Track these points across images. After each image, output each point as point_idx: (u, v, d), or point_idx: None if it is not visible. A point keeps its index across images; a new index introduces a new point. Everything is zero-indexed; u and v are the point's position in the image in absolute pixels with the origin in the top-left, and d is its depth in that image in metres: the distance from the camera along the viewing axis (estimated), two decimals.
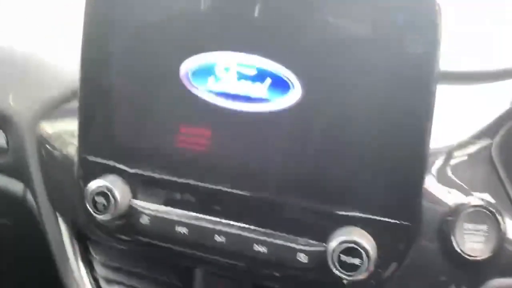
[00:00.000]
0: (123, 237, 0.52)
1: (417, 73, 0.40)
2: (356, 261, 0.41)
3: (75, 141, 0.53)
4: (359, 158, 0.42)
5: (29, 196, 0.65)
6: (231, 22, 0.44)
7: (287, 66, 0.42)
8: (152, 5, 0.46)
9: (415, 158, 0.41)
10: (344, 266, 0.41)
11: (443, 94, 0.42)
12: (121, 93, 0.48)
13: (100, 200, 0.48)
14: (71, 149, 0.55)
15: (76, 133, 0.54)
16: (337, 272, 0.42)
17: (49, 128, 0.58)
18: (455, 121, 0.48)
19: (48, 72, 0.61)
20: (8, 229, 0.82)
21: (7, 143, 0.63)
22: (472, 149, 0.47)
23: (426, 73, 0.40)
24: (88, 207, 0.48)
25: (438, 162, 0.46)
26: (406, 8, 0.39)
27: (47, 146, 0.57)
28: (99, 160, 0.50)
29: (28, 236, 0.86)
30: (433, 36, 0.39)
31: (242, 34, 0.44)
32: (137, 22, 0.47)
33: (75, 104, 0.57)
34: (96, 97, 0.49)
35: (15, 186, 0.67)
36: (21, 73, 0.62)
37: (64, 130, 0.57)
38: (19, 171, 0.63)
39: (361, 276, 0.41)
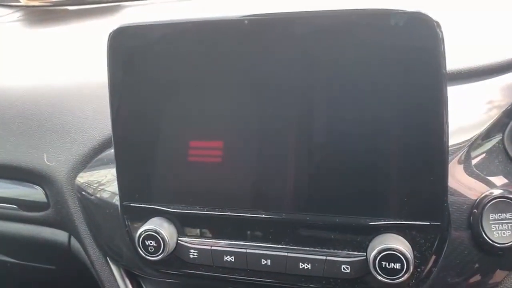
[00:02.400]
0: (174, 271, 0.56)
1: (429, 82, 0.43)
2: (397, 265, 0.44)
3: (113, 189, 0.57)
4: (385, 170, 0.46)
5: (75, 244, 0.68)
6: None
7: None
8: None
9: (437, 160, 0.44)
10: (387, 271, 0.45)
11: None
12: (153, 140, 0.52)
13: (150, 243, 0.51)
14: (111, 196, 0.58)
15: (113, 180, 0.58)
16: (380, 278, 0.45)
17: (86, 179, 0.62)
18: (464, 118, 0.51)
19: (73, 127, 0.64)
20: (53, 273, 0.86)
21: (47, 198, 0.67)
22: (486, 143, 0.50)
23: (437, 80, 0.43)
24: (140, 250, 0.52)
25: (458, 159, 0.49)
26: (408, 30, 0.42)
27: (88, 196, 0.61)
28: (141, 205, 0.53)
29: (72, 278, 0.90)
30: (437, 47, 0.42)
31: None
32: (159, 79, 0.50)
33: (105, 153, 0.62)
34: (129, 148, 0.53)
35: (60, 236, 0.70)
36: (50, 130, 0.65)
37: (101, 179, 0.61)
38: (62, 222, 0.67)
39: (403, 278, 0.45)
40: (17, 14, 1.11)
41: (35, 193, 0.67)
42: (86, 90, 0.67)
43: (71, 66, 0.76)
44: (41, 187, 0.66)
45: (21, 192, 0.68)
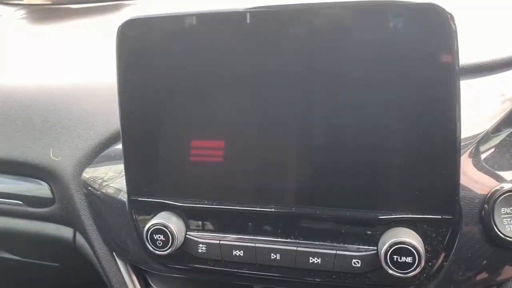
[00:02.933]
0: (182, 266, 0.55)
1: (442, 77, 0.42)
2: (409, 259, 0.44)
3: (120, 184, 0.57)
4: (396, 164, 0.45)
5: (80, 240, 0.68)
6: None
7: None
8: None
9: (449, 154, 0.44)
10: (398, 265, 0.45)
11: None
12: (161, 135, 0.51)
13: (159, 237, 0.51)
14: (118, 191, 0.58)
15: (119, 175, 0.58)
16: (391, 272, 0.45)
17: (92, 174, 0.61)
18: (475, 112, 0.51)
19: (81, 123, 0.64)
20: (58, 271, 0.86)
21: (53, 193, 0.66)
22: (497, 137, 0.49)
23: (450, 74, 0.42)
24: (148, 245, 0.52)
25: (468, 153, 0.48)
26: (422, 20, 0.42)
27: (94, 191, 0.60)
28: (149, 199, 0.53)
29: (77, 275, 0.90)
30: (450, 39, 0.41)
31: None
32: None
33: (112, 149, 0.62)
34: (137, 143, 0.52)
35: (65, 232, 0.70)
36: (56, 126, 0.65)
37: (107, 174, 0.60)
38: (68, 218, 0.66)
39: (414, 272, 0.44)
40: (20, 12, 1.11)
41: (41, 189, 0.67)
42: (92, 85, 0.66)
43: (76, 62, 0.75)
44: (47, 183, 0.66)
45: (26, 188, 0.68)
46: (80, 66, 0.74)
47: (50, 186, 0.66)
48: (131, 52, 0.50)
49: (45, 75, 0.74)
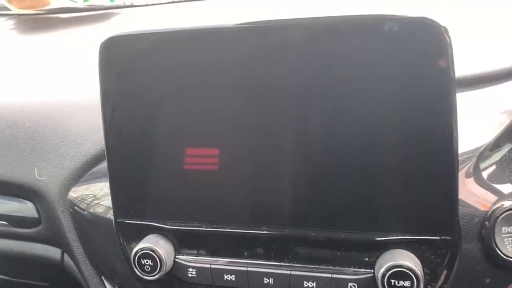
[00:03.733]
0: None
1: (438, 89, 0.41)
2: (407, 283, 0.42)
3: (108, 203, 0.55)
4: (392, 182, 0.43)
5: (68, 260, 0.66)
6: None
7: None
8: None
9: (446, 171, 0.42)
10: None
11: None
12: (147, 154, 0.49)
13: (146, 262, 0.49)
14: (106, 211, 0.56)
15: (107, 194, 0.55)
16: None
17: (78, 194, 0.59)
18: (473, 126, 0.49)
19: (66, 141, 0.62)
20: None
21: (39, 214, 0.64)
22: (497, 153, 0.48)
23: (446, 87, 0.41)
24: (135, 269, 0.50)
25: (467, 169, 0.47)
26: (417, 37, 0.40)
27: (81, 211, 0.58)
28: (136, 222, 0.51)
29: None
30: (445, 52, 0.40)
31: None
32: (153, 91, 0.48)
33: (98, 168, 0.60)
34: (123, 162, 0.50)
35: (53, 253, 0.68)
36: (42, 145, 0.63)
37: (94, 194, 0.58)
38: (54, 239, 0.64)
39: None
40: (9, 23, 1.09)
41: (26, 209, 0.65)
42: (78, 101, 0.64)
43: (62, 76, 0.73)
44: (32, 203, 0.64)
45: (11, 208, 0.66)
46: (67, 80, 0.72)
47: (36, 206, 0.64)
48: (114, 68, 0.48)
49: (30, 91, 0.72)
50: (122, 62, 0.47)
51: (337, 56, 0.43)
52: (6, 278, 0.81)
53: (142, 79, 0.48)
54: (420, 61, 0.41)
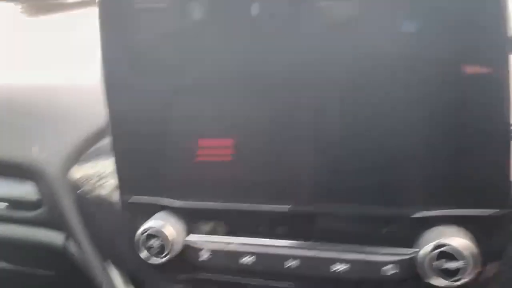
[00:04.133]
0: (182, 277, 0.48)
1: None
2: (457, 265, 0.36)
3: (112, 183, 0.50)
4: (440, 148, 0.37)
5: (71, 246, 0.61)
6: None
7: None
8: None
9: (498, 138, 0.36)
10: (442, 272, 0.36)
11: None
12: (159, 121, 0.44)
13: (154, 243, 0.44)
14: (109, 191, 0.51)
15: (109, 173, 0.51)
16: (436, 281, 0.37)
17: (80, 173, 0.55)
18: None
19: (65, 118, 0.58)
20: (53, 279, 0.80)
21: (39, 195, 0.60)
22: None
23: (497, 46, 0.35)
24: (140, 252, 0.44)
25: None
26: None
27: (83, 192, 0.53)
28: (144, 199, 0.46)
29: (72, 285, 0.84)
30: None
31: None
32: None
33: (100, 146, 0.55)
34: (130, 134, 0.45)
35: (55, 238, 0.63)
36: (40, 123, 0.59)
37: (97, 172, 0.53)
38: (57, 222, 0.60)
39: (463, 280, 0.36)
40: (15, 7, 1.09)
41: (26, 191, 0.60)
42: (76, 80, 0.61)
43: (64, 57, 0.71)
44: (34, 181, 0.60)
45: (10, 189, 0.62)
46: (67, 60, 0.69)
47: (36, 187, 0.59)
48: (117, 24, 0.42)
49: (27, 68, 0.70)
50: (124, 17, 0.42)
51: (357, 29, 0.37)
52: (11, 266, 0.78)
53: (150, 40, 0.42)
54: (469, 14, 0.34)
